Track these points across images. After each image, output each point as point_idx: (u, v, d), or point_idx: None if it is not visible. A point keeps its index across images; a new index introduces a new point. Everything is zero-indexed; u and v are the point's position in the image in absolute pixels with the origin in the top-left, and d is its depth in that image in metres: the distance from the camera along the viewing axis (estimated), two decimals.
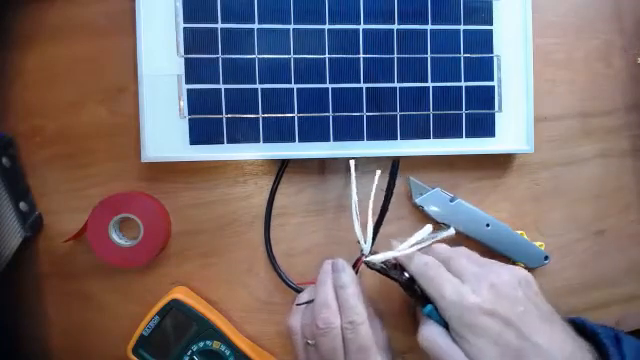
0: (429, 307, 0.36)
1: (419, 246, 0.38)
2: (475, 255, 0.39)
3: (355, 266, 0.39)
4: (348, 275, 0.37)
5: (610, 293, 0.49)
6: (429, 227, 0.38)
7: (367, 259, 0.38)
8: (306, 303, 0.39)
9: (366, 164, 0.45)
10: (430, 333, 0.35)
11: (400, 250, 0.38)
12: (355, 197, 0.39)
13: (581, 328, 0.36)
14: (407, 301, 0.45)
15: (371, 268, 0.38)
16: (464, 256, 0.38)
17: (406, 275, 0.37)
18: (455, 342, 0.34)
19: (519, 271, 0.36)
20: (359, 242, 0.39)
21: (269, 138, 0.43)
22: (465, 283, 0.35)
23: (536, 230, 0.47)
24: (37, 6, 0.42)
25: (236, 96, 0.42)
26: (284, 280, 0.44)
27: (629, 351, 0.33)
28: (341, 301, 0.36)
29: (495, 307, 0.33)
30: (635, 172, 0.49)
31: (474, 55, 0.44)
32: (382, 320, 0.41)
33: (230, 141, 0.42)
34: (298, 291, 0.43)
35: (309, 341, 0.36)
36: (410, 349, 0.47)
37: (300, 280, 0.44)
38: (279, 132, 0.43)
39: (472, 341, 0.33)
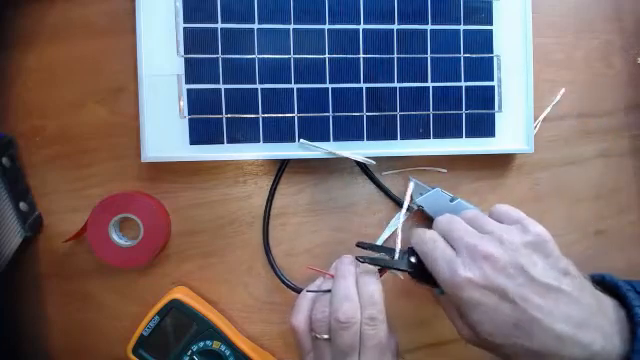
0: (439, 289, 0.35)
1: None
2: (483, 218, 0.36)
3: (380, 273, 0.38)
4: (373, 272, 0.37)
5: None
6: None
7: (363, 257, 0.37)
8: (321, 292, 0.38)
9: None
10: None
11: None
12: (403, 216, 0.43)
13: (602, 284, 0.35)
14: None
15: (374, 264, 0.37)
16: (467, 221, 0.36)
17: (412, 260, 0.37)
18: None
19: (531, 232, 0.34)
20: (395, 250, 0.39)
21: (269, 138, 0.43)
22: (458, 256, 0.33)
23: None
24: (37, 6, 0.42)
25: (236, 96, 0.42)
26: (283, 280, 0.44)
27: None
28: (365, 296, 0.35)
29: (488, 281, 0.31)
30: (635, 172, 0.49)
31: (474, 55, 0.44)
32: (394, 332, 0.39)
33: (230, 141, 0.42)
34: (297, 291, 0.43)
35: (318, 335, 0.36)
36: (410, 350, 0.47)
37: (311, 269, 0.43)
38: (279, 132, 0.43)
39: (470, 315, 0.32)
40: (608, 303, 0.32)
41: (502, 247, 0.33)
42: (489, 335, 0.32)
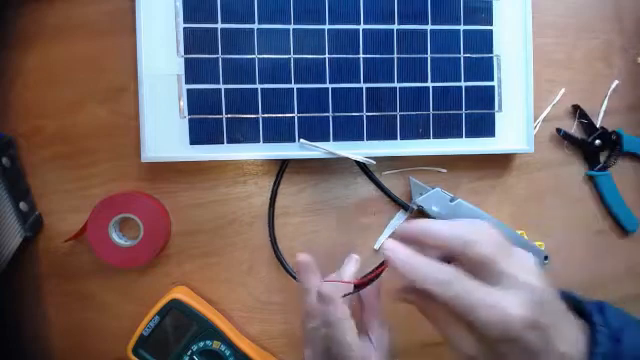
0: None
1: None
2: (499, 237, 0.30)
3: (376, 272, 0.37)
4: (334, 311, 0.35)
5: (610, 293, 0.49)
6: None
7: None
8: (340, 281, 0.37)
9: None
10: None
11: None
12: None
13: (568, 300, 0.32)
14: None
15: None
16: (494, 246, 0.29)
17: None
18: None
19: (532, 256, 0.31)
20: None
21: (269, 138, 0.43)
22: (504, 290, 0.28)
23: (536, 230, 0.47)
24: (37, 6, 0.42)
25: (236, 96, 0.42)
26: (288, 271, 0.44)
27: (612, 317, 0.31)
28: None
29: (536, 316, 0.28)
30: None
31: (474, 55, 0.44)
32: (388, 329, 0.38)
33: (230, 141, 0.42)
34: None
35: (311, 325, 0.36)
36: (410, 350, 0.47)
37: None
38: (279, 132, 0.43)
39: (508, 355, 0.28)
40: (574, 319, 0.31)
41: (532, 275, 0.29)
42: None
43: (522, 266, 0.30)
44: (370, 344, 0.36)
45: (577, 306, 0.33)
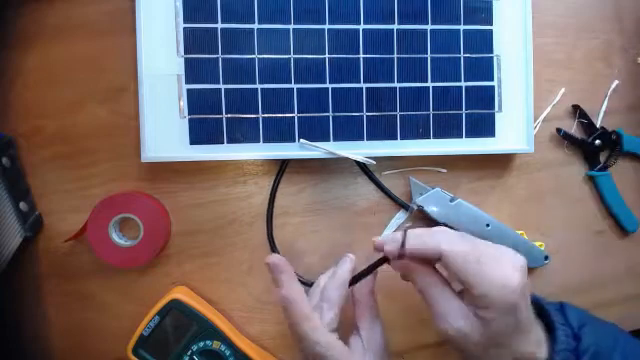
0: None
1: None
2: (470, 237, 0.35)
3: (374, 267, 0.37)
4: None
5: (610, 293, 0.49)
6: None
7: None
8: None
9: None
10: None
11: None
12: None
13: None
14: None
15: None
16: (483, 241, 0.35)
17: None
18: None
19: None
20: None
21: (269, 138, 0.43)
22: (502, 265, 0.32)
23: (536, 230, 0.47)
24: (37, 6, 0.42)
25: (236, 96, 0.42)
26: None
27: (572, 316, 0.34)
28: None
29: (524, 286, 0.31)
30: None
31: (474, 55, 0.44)
32: (382, 325, 0.39)
33: (230, 141, 0.42)
34: (305, 284, 0.43)
35: None
36: (410, 350, 0.47)
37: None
38: (279, 132, 0.43)
39: (499, 317, 0.31)
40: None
41: (517, 255, 0.33)
42: (495, 337, 0.31)
43: (509, 256, 0.33)
44: (359, 342, 0.36)
45: (537, 306, 0.36)
